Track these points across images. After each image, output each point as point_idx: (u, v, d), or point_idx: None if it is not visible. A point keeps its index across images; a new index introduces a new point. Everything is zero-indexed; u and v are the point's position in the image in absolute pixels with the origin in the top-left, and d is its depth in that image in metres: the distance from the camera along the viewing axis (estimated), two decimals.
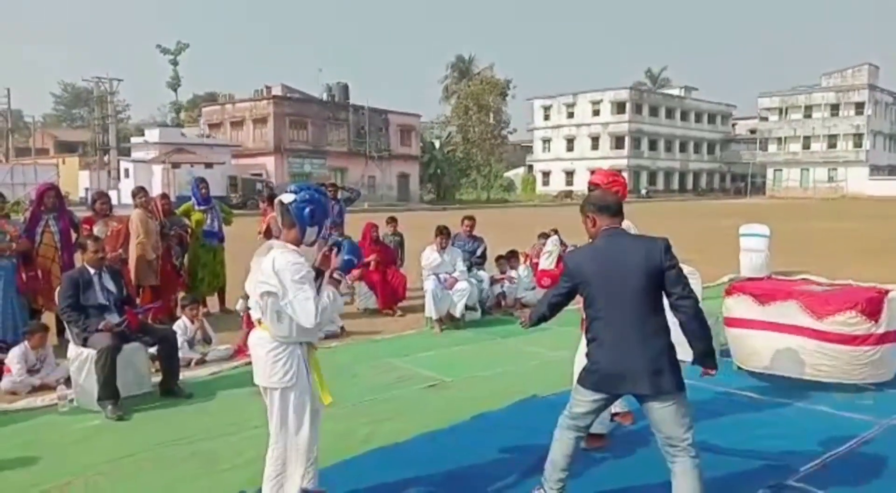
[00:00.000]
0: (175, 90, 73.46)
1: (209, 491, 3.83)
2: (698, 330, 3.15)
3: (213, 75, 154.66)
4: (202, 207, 8.99)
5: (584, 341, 4.48)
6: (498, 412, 5.13)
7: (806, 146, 71.28)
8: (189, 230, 8.83)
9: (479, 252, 9.40)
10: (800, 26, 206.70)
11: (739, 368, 5.97)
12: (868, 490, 3.72)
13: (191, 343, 6.75)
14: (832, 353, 5.33)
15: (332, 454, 4.25)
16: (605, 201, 3.45)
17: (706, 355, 3.21)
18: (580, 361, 4.40)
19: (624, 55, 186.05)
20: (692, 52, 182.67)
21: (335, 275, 3.35)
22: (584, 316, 3.37)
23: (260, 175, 44.81)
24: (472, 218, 9.94)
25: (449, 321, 8.19)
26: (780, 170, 72.13)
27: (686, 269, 6.79)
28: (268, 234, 8.85)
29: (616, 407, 4.67)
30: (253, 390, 5.72)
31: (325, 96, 52.73)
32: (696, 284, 6.59)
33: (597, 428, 4.52)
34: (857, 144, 67.96)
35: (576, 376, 3.45)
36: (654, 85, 78.50)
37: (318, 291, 3.26)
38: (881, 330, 5.35)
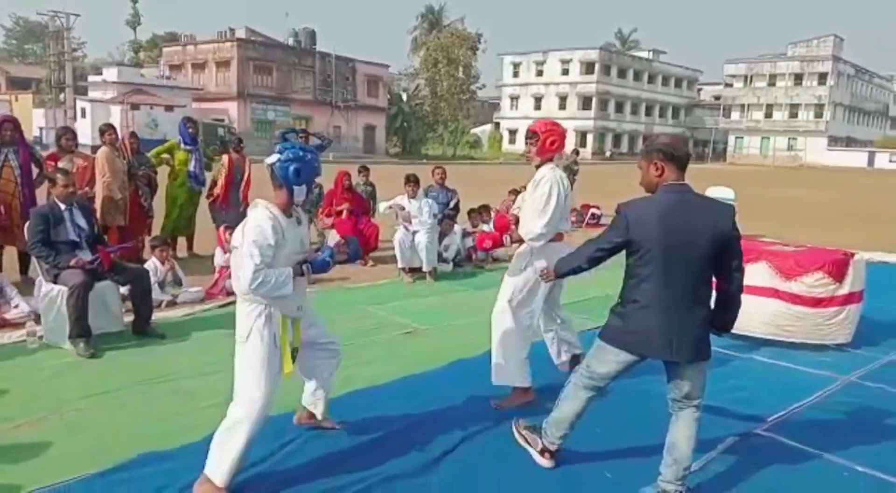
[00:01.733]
0: (134, 29, 70.89)
1: (194, 428, 3.81)
2: (737, 302, 3.12)
3: (174, 14, 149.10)
4: (188, 147, 8.77)
5: (505, 297, 4.35)
6: (474, 359, 5.19)
7: (768, 115, 72.20)
8: (156, 172, 8.63)
9: (452, 204, 9.40)
10: None
11: None
12: (831, 439, 3.88)
13: (161, 285, 6.66)
14: (800, 314, 5.50)
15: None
16: (678, 150, 3.06)
17: (731, 323, 3.19)
18: (503, 320, 4.33)
19: (595, 14, 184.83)
20: (663, 15, 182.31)
21: (303, 267, 3.30)
22: (629, 273, 3.10)
23: (222, 120, 43.70)
24: (442, 168, 9.90)
25: (421, 273, 8.21)
26: (742, 137, 73.10)
27: None
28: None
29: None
30: (227, 331, 5.75)
31: (290, 42, 51.33)
32: None
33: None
34: (818, 115, 69.09)
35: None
36: (624, 46, 78.22)
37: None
38: (845, 291, 5.53)
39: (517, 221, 4.41)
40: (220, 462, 3.17)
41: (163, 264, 6.77)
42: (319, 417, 3.85)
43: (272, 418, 3.39)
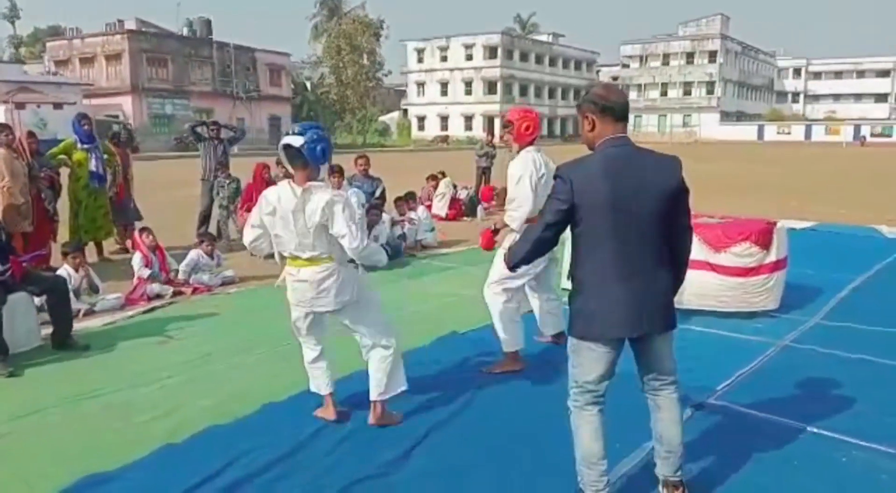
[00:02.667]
0: (13, 23, 66.61)
1: (135, 444, 3.54)
2: (686, 263, 2.91)
3: (55, 7, 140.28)
4: (85, 146, 8.21)
5: (492, 276, 4.51)
6: (420, 349, 5.10)
7: (664, 93, 75.11)
8: (59, 173, 8.08)
9: (377, 192, 9.25)
10: None
11: None
12: (780, 403, 4.01)
13: (76, 293, 6.21)
14: (733, 285, 5.68)
15: (260, 399, 4.12)
16: (609, 100, 2.74)
17: (678, 286, 2.92)
18: (488, 294, 4.55)
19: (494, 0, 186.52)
20: None
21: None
22: (577, 245, 2.78)
23: (116, 117, 41.52)
24: (365, 157, 9.73)
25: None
26: (640, 116, 75.69)
27: None
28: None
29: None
30: (156, 339, 5.47)
31: (185, 32, 49.34)
32: None
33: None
34: (710, 91, 72.40)
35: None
36: (524, 30, 79.29)
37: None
38: (772, 259, 5.75)
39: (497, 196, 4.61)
40: (395, 379, 3.78)
41: (76, 270, 6.32)
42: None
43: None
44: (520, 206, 4.32)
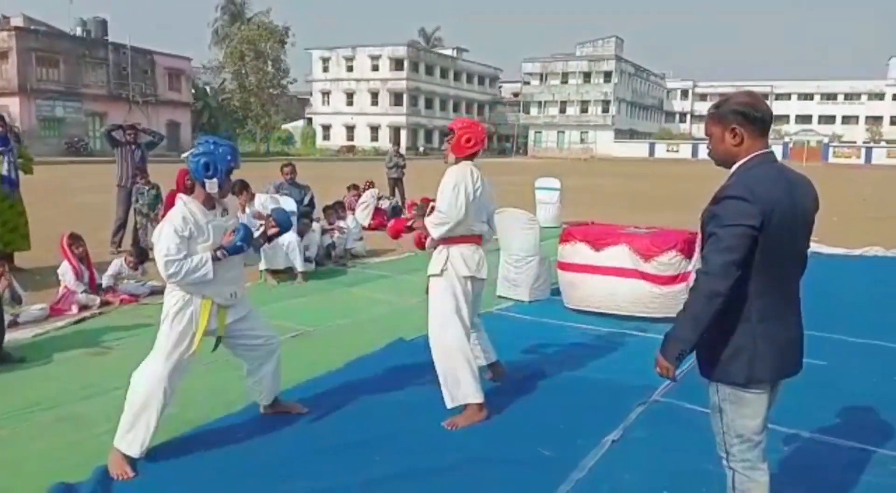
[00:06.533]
0: None
1: (98, 456, 3.45)
2: None
3: None
4: None
5: (434, 322, 3.97)
6: (370, 356, 5.19)
7: (562, 110, 77.69)
8: None
9: (306, 200, 9.22)
10: None
11: (569, 308, 6.59)
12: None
13: None
14: (660, 292, 6.07)
15: (212, 410, 4.10)
16: (759, 109, 2.36)
17: None
18: (438, 343, 3.92)
19: (399, 12, 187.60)
20: (463, 15, 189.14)
21: (218, 253, 3.44)
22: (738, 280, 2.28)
23: (1, 118, 38.89)
24: (291, 165, 9.68)
25: (284, 274, 7.96)
26: (540, 132, 78.02)
27: (525, 216, 7.30)
28: None
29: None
30: (93, 349, 5.29)
31: (79, 32, 46.87)
32: (535, 232, 7.13)
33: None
34: (605, 110, 75.49)
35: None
36: (428, 44, 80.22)
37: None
38: (693, 267, 6.19)
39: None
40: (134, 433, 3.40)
41: None
42: (263, 403, 4.02)
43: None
44: (447, 217, 3.97)
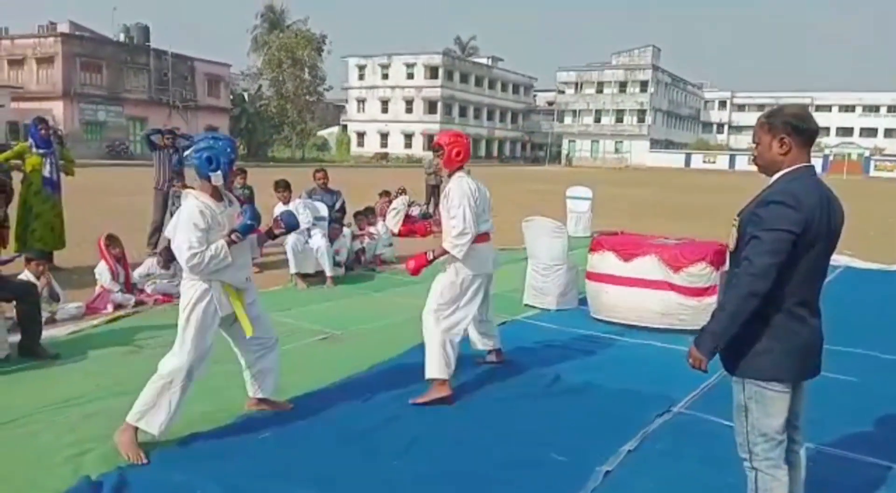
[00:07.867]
0: None
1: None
2: None
3: None
4: (41, 151, 8.02)
5: (431, 301, 4.46)
6: (395, 359, 5.24)
7: (597, 119, 77.28)
8: (11, 176, 7.86)
9: (338, 205, 9.30)
10: (596, 5, 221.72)
11: (595, 318, 6.56)
12: None
13: None
14: (691, 304, 6.00)
15: (236, 411, 4.14)
16: (808, 123, 2.51)
17: None
18: (426, 320, 4.44)
19: (435, 20, 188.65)
20: (499, 23, 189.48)
21: (233, 236, 3.59)
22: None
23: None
24: (324, 170, 9.78)
25: (314, 278, 8.06)
26: (574, 141, 77.66)
27: (552, 225, 7.27)
28: None
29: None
30: (127, 347, 5.40)
31: (122, 38, 48.07)
32: (563, 240, 7.10)
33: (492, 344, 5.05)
34: (641, 120, 74.91)
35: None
36: (463, 53, 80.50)
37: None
38: None
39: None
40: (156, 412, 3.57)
41: (38, 278, 6.17)
42: (251, 395, 4.11)
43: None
44: (464, 234, 4.32)
